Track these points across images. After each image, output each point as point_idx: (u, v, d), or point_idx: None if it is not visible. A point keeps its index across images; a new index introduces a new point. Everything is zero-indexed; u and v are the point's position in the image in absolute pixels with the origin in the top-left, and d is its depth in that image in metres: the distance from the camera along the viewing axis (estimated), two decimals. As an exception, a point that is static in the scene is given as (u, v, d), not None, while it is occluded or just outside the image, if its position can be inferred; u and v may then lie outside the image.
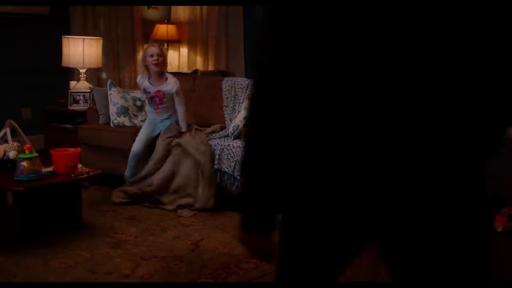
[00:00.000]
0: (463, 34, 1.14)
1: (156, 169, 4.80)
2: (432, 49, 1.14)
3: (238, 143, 4.67)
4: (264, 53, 1.30)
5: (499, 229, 4.36)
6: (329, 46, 1.19)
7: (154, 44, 5.06)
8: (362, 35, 1.16)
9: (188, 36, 8.00)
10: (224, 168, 4.69)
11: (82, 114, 5.88)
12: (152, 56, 4.76)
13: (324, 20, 1.18)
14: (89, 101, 6.06)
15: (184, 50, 8.10)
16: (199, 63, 7.94)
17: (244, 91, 5.39)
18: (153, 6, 7.91)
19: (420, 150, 1.23)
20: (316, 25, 1.19)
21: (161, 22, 7.87)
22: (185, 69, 7.92)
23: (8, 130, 4.63)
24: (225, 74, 7.16)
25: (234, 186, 4.64)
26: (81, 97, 6.11)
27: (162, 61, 4.81)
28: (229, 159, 4.66)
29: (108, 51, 7.17)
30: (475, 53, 1.15)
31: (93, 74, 7.04)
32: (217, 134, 5.13)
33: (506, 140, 1.29)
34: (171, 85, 4.85)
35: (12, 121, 4.86)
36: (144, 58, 4.87)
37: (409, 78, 1.16)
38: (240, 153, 4.62)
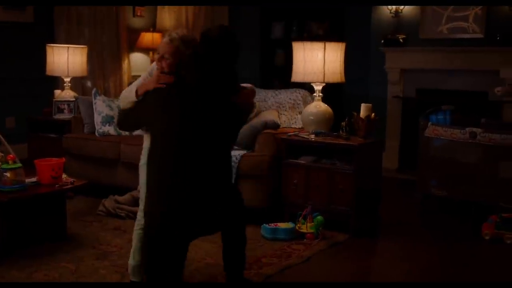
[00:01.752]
0: (215, 114, 3.01)
1: None
2: (207, 115, 2.99)
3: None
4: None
5: (487, 237, 4.37)
6: (178, 105, 2.99)
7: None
8: (189, 105, 2.98)
9: (173, 44, 7.95)
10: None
11: (66, 123, 5.81)
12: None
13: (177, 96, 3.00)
14: (73, 110, 6.00)
15: (169, 58, 8.04)
16: (184, 71, 7.89)
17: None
18: (138, 14, 7.87)
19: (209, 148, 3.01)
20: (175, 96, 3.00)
21: (146, 30, 7.84)
22: (170, 77, 7.87)
23: (-10, 139, 4.57)
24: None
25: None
26: (66, 106, 6.04)
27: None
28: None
29: (93, 60, 7.12)
30: (220, 121, 3.02)
31: (78, 83, 6.98)
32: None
33: None
34: None
35: (-5, 130, 4.80)
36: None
37: (203, 125, 2.97)
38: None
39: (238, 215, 3.25)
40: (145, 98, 3.06)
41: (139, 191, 4.70)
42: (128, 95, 3.20)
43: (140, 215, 3.30)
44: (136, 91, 3.11)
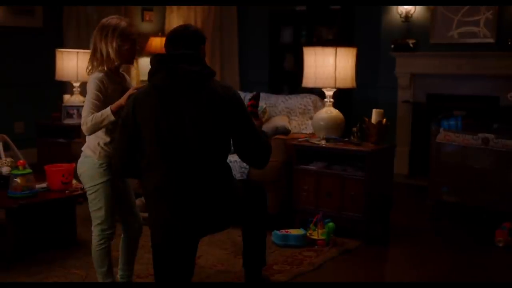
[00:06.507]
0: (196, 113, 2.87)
1: None
2: (184, 116, 2.86)
3: (236, 157, 4.59)
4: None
5: (500, 244, 4.32)
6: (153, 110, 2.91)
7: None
8: (163, 107, 2.90)
9: (182, 49, 7.94)
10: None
11: (76, 128, 5.79)
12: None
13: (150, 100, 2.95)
14: (83, 115, 5.98)
15: (178, 63, 8.04)
16: (193, 76, 7.88)
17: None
18: (146, 19, 7.87)
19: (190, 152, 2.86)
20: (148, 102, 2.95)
21: (155, 35, 7.83)
22: (179, 82, 7.86)
23: (0, 144, 4.56)
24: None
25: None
26: (75, 111, 6.02)
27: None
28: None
29: (102, 64, 7.10)
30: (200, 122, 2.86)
31: (87, 88, 6.96)
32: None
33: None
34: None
35: (4, 135, 4.78)
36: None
37: (179, 129, 2.86)
38: (237, 167, 4.56)
39: (254, 212, 3.24)
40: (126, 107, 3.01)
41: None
42: (100, 119, 3.13)
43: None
44: (112, 110, 3.07)
